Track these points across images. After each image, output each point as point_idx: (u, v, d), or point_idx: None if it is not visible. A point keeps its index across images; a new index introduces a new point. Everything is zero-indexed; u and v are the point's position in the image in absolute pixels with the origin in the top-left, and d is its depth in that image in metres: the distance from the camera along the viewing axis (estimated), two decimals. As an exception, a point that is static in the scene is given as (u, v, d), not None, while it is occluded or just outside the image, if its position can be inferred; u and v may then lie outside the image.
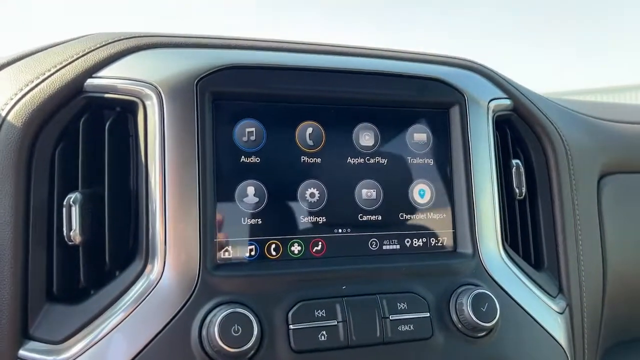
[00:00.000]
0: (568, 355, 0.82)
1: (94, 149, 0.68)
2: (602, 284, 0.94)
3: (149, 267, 0.65)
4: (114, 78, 0.68)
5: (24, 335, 0.63)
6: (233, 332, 0.61)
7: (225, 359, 0.62)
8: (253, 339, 0.61)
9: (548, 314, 0.81)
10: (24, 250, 0.63)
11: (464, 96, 0.80)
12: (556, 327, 0.81)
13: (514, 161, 0.86)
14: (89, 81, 0.68)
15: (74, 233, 0.64)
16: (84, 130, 0.67)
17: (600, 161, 0.99)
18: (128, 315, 0.62)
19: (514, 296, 0.78)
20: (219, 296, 0.64)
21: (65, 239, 0.65)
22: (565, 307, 0.85)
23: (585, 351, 0.89)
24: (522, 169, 0.86)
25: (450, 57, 0.87)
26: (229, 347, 0.60)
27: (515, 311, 0.77)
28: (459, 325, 0.72)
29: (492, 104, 0.84)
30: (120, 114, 0.70)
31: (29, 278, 0.64)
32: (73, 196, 0.65)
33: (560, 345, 0.81)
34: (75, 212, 0.64)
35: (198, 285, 0.64)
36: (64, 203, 0.65)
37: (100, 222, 0.66)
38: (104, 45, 0.70)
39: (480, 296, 0.72)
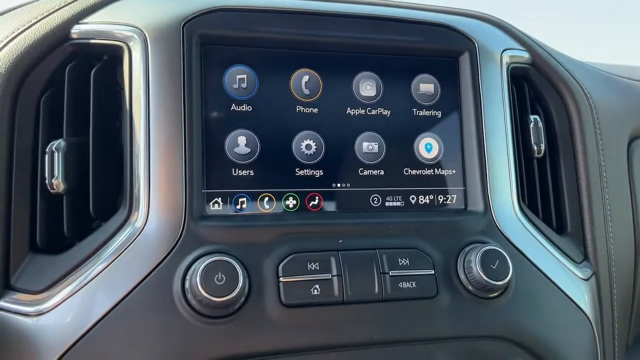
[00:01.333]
0: (594, 326, 0.75)
1: (80, 98, 0.66)
2: (633, 253, 0.86)
3: (133, 216, 0.62)
4: (99, 23, 0.66)
5: (5, 285, 0.61)
6: (216, 281, 0.57)
7: (210, 311, 0.58)
8: (238, 288, 0.57)
9: (570, 280, 0.74)
10: (6, 199, 0.61)
11: (474, 44, 0.75)
12: (579, 294, 0.74)
13: (532, 117, 0.80)
14: (76, 27, 0.65)
15: (57, 181, 0.62)
16: (70, 77, 0.65)
17: (630, 123, 0.91)
18: (109, 264, 0.59)
19: (530, 257, 0.71)
20: (204, 246, 0.61)
21: (48, 187, 0.62)
22: (591, 275, 0.78)
23: (615, 325, 0.81)
24: (540, 125, 0.80)
25: (459, 8, 0.82)
26: (211, 295, 0.56)
27: (531, 273, 0.71)
28: (468, 286, 0.66)
29: (506, 55, 0.78)
30: (108, 62, 0.67)
31: (12, 227, 0.62)
32: (56, 143, 0.63)
33: (585, 314, 0.74)
34: (58, 159, 0.62)
35: (183, 234, 0.61)
36: (47, 150, 0.62)
37: (85, 171, 0.64)
38: None
39: (490, 253, 0.66)
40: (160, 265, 0.59)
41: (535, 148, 0.79)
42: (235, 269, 0.58)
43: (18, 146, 0.63)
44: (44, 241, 0.63)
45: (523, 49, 0.81)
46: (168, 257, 0.60)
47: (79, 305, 0.58)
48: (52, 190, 0.62)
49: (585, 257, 0.79)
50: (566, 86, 0.83)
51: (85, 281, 0.59)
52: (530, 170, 0.80)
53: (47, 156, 0.62)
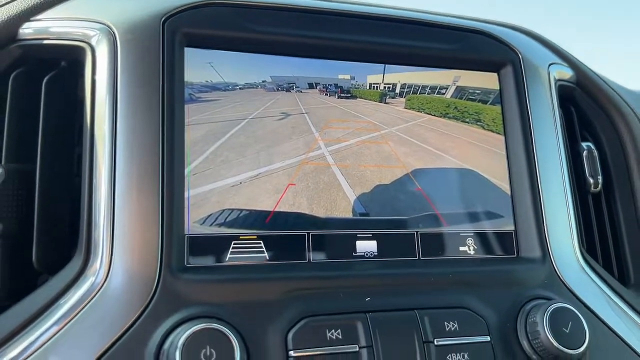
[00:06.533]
0: None
1: (28, 114, 0.51)
2: None
3: (90, 267, 0.46)
4: (57, 19, 0.52)
5: None
6: (204, 358, 0.41)
7: None
8: (233, 369, 0.41)
9: (648, 343, 0.59)
10: None
11: (518, 55, 0.62)
12: (660, 361, 0.59)
13: (585, 144, 0.67)
14: (26, 25, 0.51)
15: (-11, 221, 0.46)
16: (15, 87, 0.51)
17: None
18: (57, 333, 0.43)
19: (602, 316, 0.57)
20: (186, 308, 0.45)
21: (-23, 228, 0.46)
22: (665, 337, 0.63)
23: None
24: (595, 153, 0.67)
25: (497, 20, 0.69)
26: (195, 380, 0.40)
27: (605, 336, 0.56)
28: (533, 356, 0.51)
29: (553, 70, 0.66)
30: (66, 71, 0.53)
31: None
32: None
33: (670, 387, 0.59)
34: None
35: (157, 292, 0.45)
36: None
37: (29, 209, 0.48)
38: None
39: (560, 312, 0.51)
40: (127, 335, 0.43)
41: (592, 181, 0.66)
42: (230, 341, 0.42)
43: None
44: None
45: (567, 66, 0.69)
46: (137, 323, 0.44)
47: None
48: (-19, 233, 0.46)
49: (655, 315, 0.64)
50: (617, 109, 0.71)
51: (24, 356, 0.42)
52: (585, 207, 0.66)
53: None
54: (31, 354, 0.43)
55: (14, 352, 0.43)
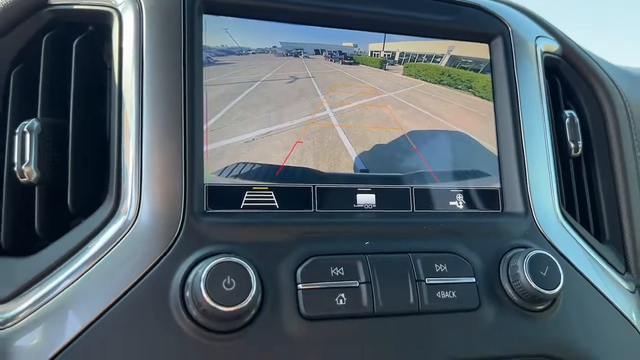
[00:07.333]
0: None
1: (59, 73, 0.55)
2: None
3: (122, 207, 0.51)
4: (85, -14, 0.56)
5: None
6: (225, 286, 0.47)
7: (215, 324, 0.47)
8: (251, 296, 0.47)
9: (618, 291, 0.66)
10: None
11: (508, 27, 0.67)
12: (628, 307, 0.66)
13: (567, 112, 0.73)
14: None
15: (28, 168, 0.51)
16: (48, 48, 0.55)
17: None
18: (91, 267, 0.48)
19: (577, 265, 0.63)
20: (208, 245, 0.50)
21: (17, 174, 0.51)
22: (635, 289, 0.70)
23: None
24: (577, 121, 0.72)
25: None
26: (218, 304, 0.46)
27: (579, 283, 0.62)
28: (513, 297, 0.57)
29: (540, 43, 0.71)
30: (94, 35, 0.57)
31: None
32: (28, 123, 0.52)
33: (637, 330, 0.65)
34: (30, 141, 0.52)
35: (181, 232, 0.50)
36: (17, 131, 0.52)
37: (63, 158, 0.53)
38: None
39: (539, 258, 0.57)
40: (155, 268, 0.49)
41: (572, 145, 0.71)
42: (248, 272, 0.48)
43: None
44: (10, 241, 0.52)
45: (554, 39, 0.74)
46: (164, 259, 0.49)
47: (52, 318, 0.47)
48: (22, 179, 0.52)
49: (627, 269, 0.71)
50: (599, 81, 0.76)
51: (60, 288, 0.48)
52: (566, 170, 0.72)
53: (16, 137, 0.52)
54: (68, 285, 0.48)
55: (54, 283, 0.48)
